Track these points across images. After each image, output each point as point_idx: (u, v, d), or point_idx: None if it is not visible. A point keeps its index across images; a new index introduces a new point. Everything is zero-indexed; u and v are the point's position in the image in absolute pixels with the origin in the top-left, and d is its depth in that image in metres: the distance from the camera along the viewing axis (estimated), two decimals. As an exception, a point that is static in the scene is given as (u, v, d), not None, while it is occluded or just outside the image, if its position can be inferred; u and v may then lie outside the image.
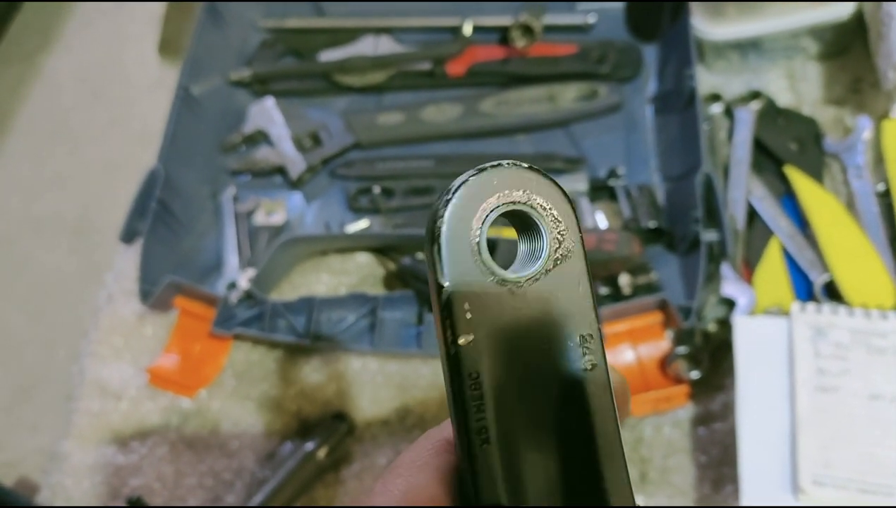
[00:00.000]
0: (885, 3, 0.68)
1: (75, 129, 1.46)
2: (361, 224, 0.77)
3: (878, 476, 0.53)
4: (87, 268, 1.23)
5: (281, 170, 0.82)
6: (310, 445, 0.65)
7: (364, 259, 0.76)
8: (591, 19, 0.86)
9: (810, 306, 0.60)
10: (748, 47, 0.78)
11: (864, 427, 0.54)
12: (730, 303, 0.66)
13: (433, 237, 0.21)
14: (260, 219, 0.79)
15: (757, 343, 0.59)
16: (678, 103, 0.77)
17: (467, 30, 0.86)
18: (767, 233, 0.70)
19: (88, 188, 1.35)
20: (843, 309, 0.59)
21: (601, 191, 0.76)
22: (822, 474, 0.53)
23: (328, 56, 0.88)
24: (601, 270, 0.65)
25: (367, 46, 0.88)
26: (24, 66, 1.51)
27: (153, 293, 0.69)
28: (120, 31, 1.56)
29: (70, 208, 1.32)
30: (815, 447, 0.54)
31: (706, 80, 0.81)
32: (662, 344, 0.67)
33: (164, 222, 0.74)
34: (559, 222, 0.22)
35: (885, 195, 0.69)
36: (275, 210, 0.80)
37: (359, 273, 0.76)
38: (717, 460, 0.61)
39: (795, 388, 0.56)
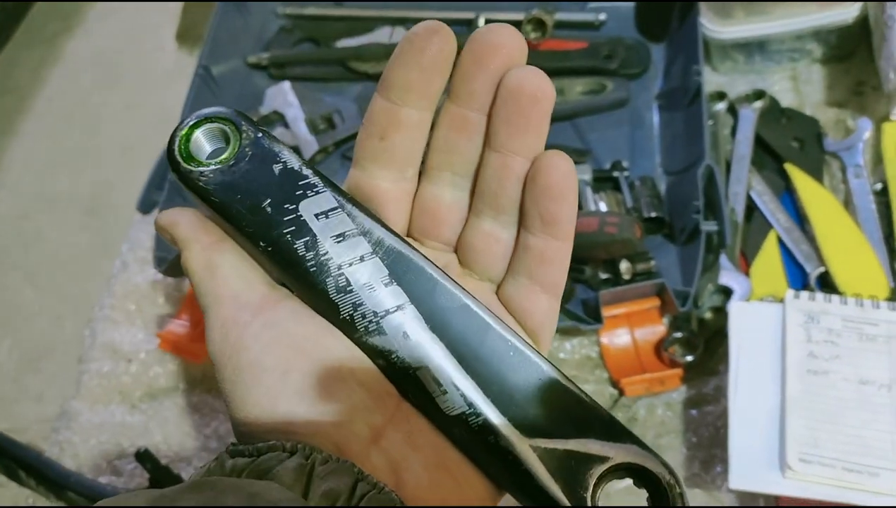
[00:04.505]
0: (888, 6, 0.70)
1: (92, 112, 1.48)
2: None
3: (863, 456, 0.54)
4: (99, 246, 1.25)
5: (295, 151, 0.84)
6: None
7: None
8: (601, 17, 0.88)
9: (804, 294, 0.62)
10: (754, 48, 0.81)
11: (852, 410, 0.56)
12: (727, 292, 0.68)
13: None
14: (272, 197, 0.81)
15: (751, 327, 0.61)
16: (684, 99, 0.79)
17: (481, 23, 0.88)
18: (766, 227, 0.72)
19: (103, 169, 1.37)
20: (836, 297, 0.61)
21: (605, 181, 0.78)
22: (809, 453, 0.55)
23: (344, 45, 0.90)
24: (602, 253, 0.67)
25: (382, 37, 0.91)
26: (44, 48, 1.53)
27: (167, 260, 0.71)
28: (140, 19, 1.58)
29: (84, 187, 1.34)
30: (804, 427, 0.56)
31: (712, 79, 0.83)
32: (659, 328, 0.68)
33: (180, 194, 0.76)
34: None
35: (882, 194, 0.71)
36: (287, 189, 0.82)
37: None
38: (708, 441, 0.63)
39: (786, 370, 0.58)
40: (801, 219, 0.71)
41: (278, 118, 0.86)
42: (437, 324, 0.26)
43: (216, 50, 0.86)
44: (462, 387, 0.26)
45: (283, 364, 0.27)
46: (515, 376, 0.26)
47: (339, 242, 0.26)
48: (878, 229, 0.68)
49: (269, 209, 0.26)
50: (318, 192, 0.27)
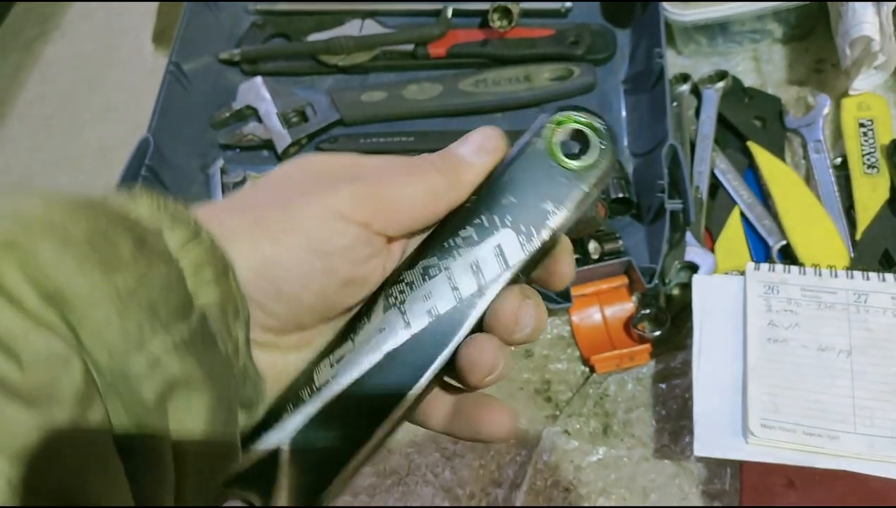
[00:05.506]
0: (841, -16, 0.72)
1: (72, 116, 1.48)
2: (344, 195, 0.80)
3: (822, 420, 0.56)
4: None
5: (269, 145, 0.85)
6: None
7: (346, 228, 0.79)
8: (567, 4, 0.89)
9: (764, 266, 0.63)
10: (716, 30, 0.82)
11: (812, 376, 0.58)
12: (693, 268, 0.70)
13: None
14: (247, 190, 0.82)
15: (713, 299, 0.62)
16: (648, 83, 0.80)
17: (449, 14, 0.89)
18: (730, 204, 0.73)
19: (85, 172, 1.37)
20: (794, 268, 0.63)
21: (574, 165, 0.79)
22: (770, 419, 0.56)
23: (315, 39, 0.91)
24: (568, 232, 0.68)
25: (353, 29, 0.92)
26: (22, 54, 1.54)
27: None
28: (117, 22, 1.59)
29: (64, 190, 1.35)
30: (765, 393, 0.57)
31: (676, 62, 0.85)
32: (628, 305, 0.70)
33: (153, 189, 0.77)
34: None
35: (841, 167, 0.72)
36: (261, 182, 0.83)
37: (340, 241, 0.78)
38: (676, 413, 0.65)
39: (747, 340, 0.59)
40: (763, 194, 0.73)
41: (251, 113, 0.87)
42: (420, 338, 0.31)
43: (187, 47, 0.87)
44: (355, 364, 0.30)
45: (313, 228, 0.29)
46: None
47: (472, 266, 0.31)
48: (837, 201, 0.70)
49: (509, 201, 0.31)
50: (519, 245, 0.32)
